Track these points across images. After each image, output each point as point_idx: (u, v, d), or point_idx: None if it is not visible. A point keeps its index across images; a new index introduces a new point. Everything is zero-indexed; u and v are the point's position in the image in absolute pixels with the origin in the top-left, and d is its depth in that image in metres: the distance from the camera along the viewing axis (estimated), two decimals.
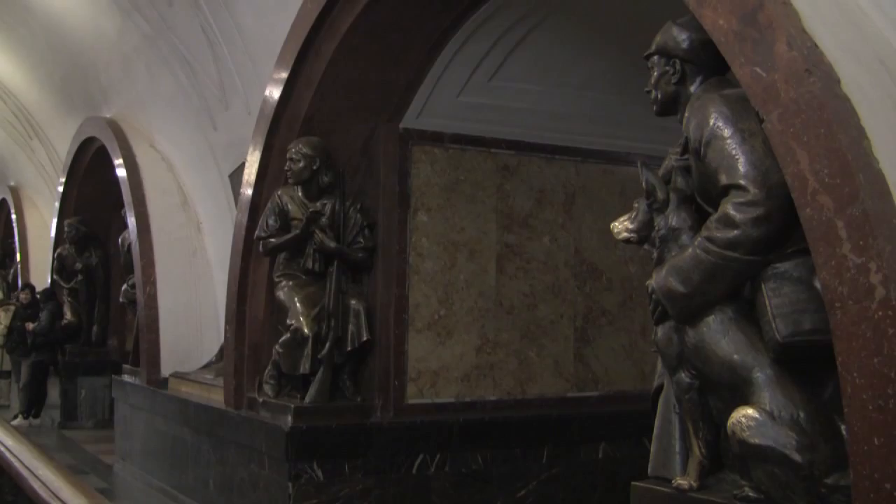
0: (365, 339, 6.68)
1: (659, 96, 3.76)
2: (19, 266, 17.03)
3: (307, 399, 6.55)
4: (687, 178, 3.60)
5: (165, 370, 9.39)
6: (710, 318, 3.37)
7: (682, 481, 3.49)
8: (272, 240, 6.87)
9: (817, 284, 3.04)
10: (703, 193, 3.51)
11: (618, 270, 7.67)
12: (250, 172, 7.32)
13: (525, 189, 7.31)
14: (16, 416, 13.12)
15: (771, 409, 3.14)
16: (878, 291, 2.73)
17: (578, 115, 7.27)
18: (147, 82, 10.14)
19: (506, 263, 7.22)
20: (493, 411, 7.05)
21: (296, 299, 6.72)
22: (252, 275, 7.29)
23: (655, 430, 3.82)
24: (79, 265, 12.87)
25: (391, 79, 6.69)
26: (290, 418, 6.42)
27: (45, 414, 13.34)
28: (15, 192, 17.12)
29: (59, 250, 13.14)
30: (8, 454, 5.18)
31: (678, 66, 3.67)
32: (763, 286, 3.28)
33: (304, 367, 6.58)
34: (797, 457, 3.06)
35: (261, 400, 6.89)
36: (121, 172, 10.55)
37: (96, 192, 12.77)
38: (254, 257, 7.24)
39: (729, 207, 3.25)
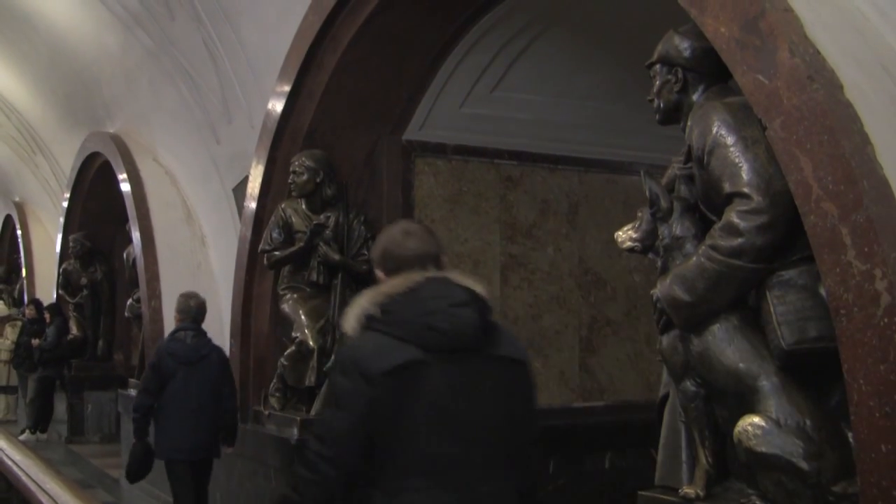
0: None
1: (661, 105, 3.76)
2: (25, 281, 17.03)
3: (313, 411, 6.54)
4: (690, 187, 3.59)
5: None
6: (715, 327, 3.35)
7: (688, 490, 3.48)
8: (276, 253, 6.86)
9: (822, 291, 3.03)
10: (707, 202, 3.50)
11: (622, 280, 7.66)
12: (254, 186, 7.33)
13: (528, 199, 7.31)
14: (23, 431, 13.11)
15: (777, 418, 3.13)
16: (883, 298, 2.72)
17: (581, 125, 7.27)
18: (150, 97, 10.15)
19: (510, 274, 7.21)
20: None
21: (300, 312, 6.71)
22: (256, 288, 7.29)
23: (662, 440, 3.82)
24: (84, 280, 12.85)
25: (393, 91, 6.70)
26: (296, 431, 6.40)
27: (52, 429, 13.31)
28: (20, 207, 17.12)
29: (64, 265, 13.13)
30: (16, 469, 5.19)
31: (680, 75, 3.67)
32: (768, 294, 3.26)
33: (310, 379, 6.55)
34: (804, 465, 3.04)
35: (267, 413, 6.87)
36: (125, 187, 10.55)
37: (101, 206, 12.75)
38: (258, 271, 7.23)
39: (733, 215, 3.24)
